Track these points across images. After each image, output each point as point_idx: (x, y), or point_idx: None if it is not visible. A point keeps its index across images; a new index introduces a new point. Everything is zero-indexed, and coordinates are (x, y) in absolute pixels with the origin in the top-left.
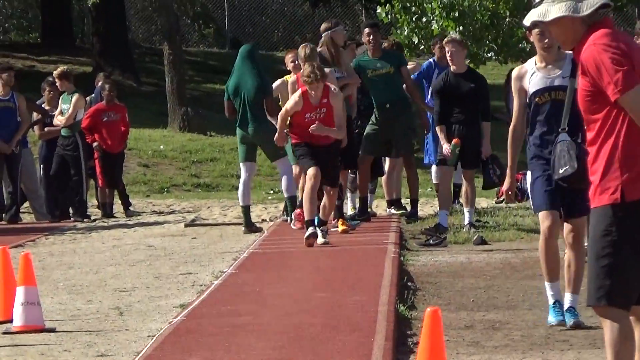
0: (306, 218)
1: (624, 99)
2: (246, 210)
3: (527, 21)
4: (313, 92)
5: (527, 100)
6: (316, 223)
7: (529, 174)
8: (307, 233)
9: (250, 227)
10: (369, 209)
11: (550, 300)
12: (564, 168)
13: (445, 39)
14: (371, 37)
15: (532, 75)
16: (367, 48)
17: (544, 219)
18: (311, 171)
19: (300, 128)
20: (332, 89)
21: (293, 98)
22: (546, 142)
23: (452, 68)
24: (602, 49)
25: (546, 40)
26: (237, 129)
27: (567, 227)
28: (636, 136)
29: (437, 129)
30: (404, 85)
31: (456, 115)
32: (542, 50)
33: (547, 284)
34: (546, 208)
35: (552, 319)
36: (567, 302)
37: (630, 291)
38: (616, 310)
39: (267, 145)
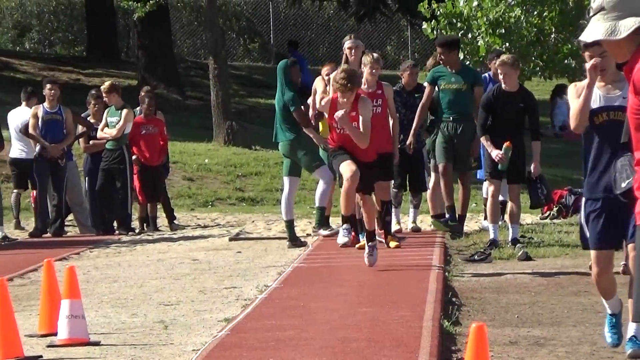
0: (343, 213)
1: None
2: (290, 224)
3: (583, 38)
4: (344, 99)
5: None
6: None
7: (583, 200)
8: (340, 235)
9: (295, 241)
10: (414, 224)
11: (608, 311)
12: (627, 181)
13: (499, 61)
14: (443, 56)
15: (595, 94)
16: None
17: (594, 261)
18: (347, 171)
19: (334, 133)
20: (362, 97)
21: (324, 99)
22: (602, 162)
23: (504, 86)
24: None
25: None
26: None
27: (631, 250)
28: None
29: (482, 139)
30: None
31: (501, 131)
32: (603, 72)
33: (603, 300)
34: (598, 247)
35: (607, 335)
36: (630, 331)
37: None
38: None
39: (300, 158)
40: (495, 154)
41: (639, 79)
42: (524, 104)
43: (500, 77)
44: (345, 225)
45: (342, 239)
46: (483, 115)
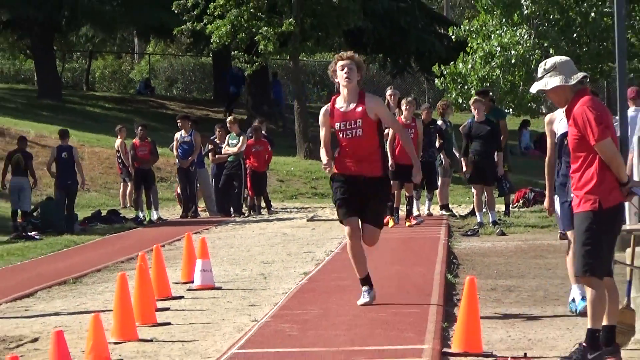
0: (358, 275)
1: (599, 145)
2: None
3: (533, 90)
4: (345, 93)
5: (556, 140)
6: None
7: (557, 197)
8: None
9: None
10: (418, 212)
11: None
12: None
13: (472, 99)
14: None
15: (560, 120)
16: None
17: (571, 236)
18: (348, 228)
19: (340, 149)
20: (368, 94)
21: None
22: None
23: (475, 117)
24: (588, 109)
25: None
26: None
27: (571, 235)
28: (606, 168)
29: (462, 159)
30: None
31: (477, 149)
32: None
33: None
34: (569, 229)
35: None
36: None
37: (603, 267)
38: (594, 279)
39: None
40: (465, 170)
41: (577, 115)
42: (490, 127)
43: (473, 108)
44: (365, 288)
45: (362, 300)
46: (464, 141)
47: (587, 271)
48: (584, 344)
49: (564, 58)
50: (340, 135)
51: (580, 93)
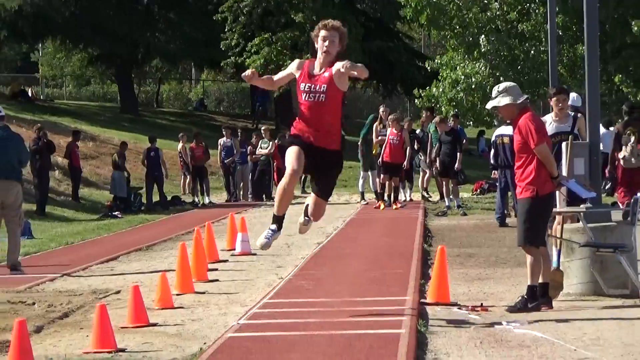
0: (276, 213)
1: (537, 148)
2: (362, 195)
3: (488, 106)
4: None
5: None
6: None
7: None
8: (262, 235)
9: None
10: (405, 198)
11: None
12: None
13: (437, 118)
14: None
15: (549, 124)
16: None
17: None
18: (291, 164)
19: (301, 113)
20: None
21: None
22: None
23: (440, 128)
24: (530, 122)
25: (560, 105)
26: None
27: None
28: (542, 165)
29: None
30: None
31: (444, 152)
32: (559, 111)
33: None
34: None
35: None
36: None
37: (539, 239)
38: (533, 248)
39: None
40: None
41: (521, 126)
42: (452, 136)
43: (439, 123)
44: (273, 227)
45: (262, 239)
46: (437, 146)
47: (527, 242)
48: (525, 296)
49: (512, 84)
50: (303, 97)
51: (523, 110)
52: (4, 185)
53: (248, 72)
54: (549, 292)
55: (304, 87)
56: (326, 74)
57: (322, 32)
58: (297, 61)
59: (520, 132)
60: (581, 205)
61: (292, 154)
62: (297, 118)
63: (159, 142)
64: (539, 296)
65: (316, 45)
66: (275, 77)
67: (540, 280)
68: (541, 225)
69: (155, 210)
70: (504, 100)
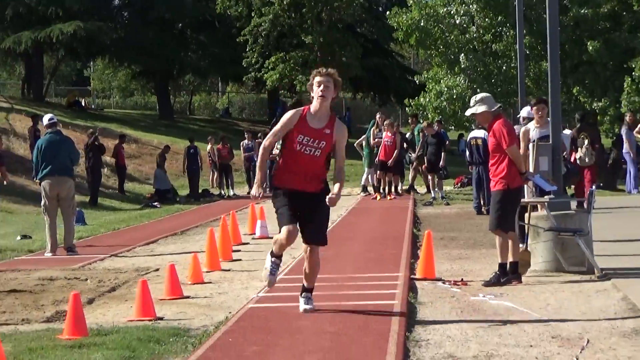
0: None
1: (509, 149)
2: (364, 187)
3: (467, 113)
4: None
5: (532, 141)
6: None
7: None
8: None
9: (365, 191)
10: (400, 191)
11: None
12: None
13: (424, 123)
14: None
15: (533, 130)
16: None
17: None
18: (285, 231)
19: (288, 161)
20: (338, 120)
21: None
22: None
23: (427, 132)
24: (502, 126)
25: (540, 113)
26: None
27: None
28: (512, 163)
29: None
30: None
31: (430, 152)
32: (540, 118)
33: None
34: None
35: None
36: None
37: (507, 225)
38: (501, 232)
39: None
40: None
41: (495, 130)
42: (437, 139)
43: (427, 128)
44: (275, 260)
45: (268, 275)
46: (420, 150)
47: (497, 227)
48: (497, 272)
49: (487, 94)
50: (297, 148)
51: (497, 116)
52: (59, 180)
53: (254, 192)
54: (519, 269)
55: (302, 139)
56: (327, 131)
57: (318, 78)
58: (292, 113)
59: (494, 135)
60: (545, 197)
61: (284, 220)
62: (280, 166)
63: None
64: (509, 273)
65: (312, 93)
66: (270, 142)
67: (510, 259)
68: (510, 213)
69: (188, 201)
70: (481, 108)
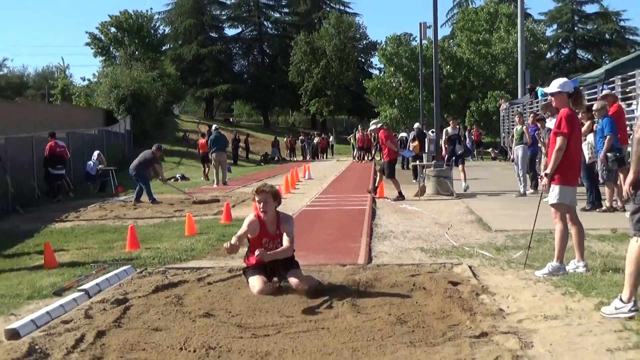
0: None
1: (387, 143)
2: (354, 157)
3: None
4: (265, 219)
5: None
6: None
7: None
8: None
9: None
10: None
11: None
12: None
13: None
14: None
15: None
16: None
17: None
18: (256, 285)
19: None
20: (283, 214)
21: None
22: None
23: (449, 129)
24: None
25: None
26: None
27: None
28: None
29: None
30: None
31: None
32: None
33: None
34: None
35: None
36: None
37: (392, 175)
38: (392, 179)
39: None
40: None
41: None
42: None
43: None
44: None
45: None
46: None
47: (388, 177)
48: (398, 195)
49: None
50: (263, 243)
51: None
52: (219, 154)
53: (227, 245)
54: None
55: (265, 241)
56: (278, 232)
57: (256, 197)
58: (252, 220)
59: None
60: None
61: (255, 284)
62: (252, 253)
63: (282, 140)
64: (399, 195)
65: (258, 206)
66: (235, 241)
67: (399, 190)
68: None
69: (278, 162)
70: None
